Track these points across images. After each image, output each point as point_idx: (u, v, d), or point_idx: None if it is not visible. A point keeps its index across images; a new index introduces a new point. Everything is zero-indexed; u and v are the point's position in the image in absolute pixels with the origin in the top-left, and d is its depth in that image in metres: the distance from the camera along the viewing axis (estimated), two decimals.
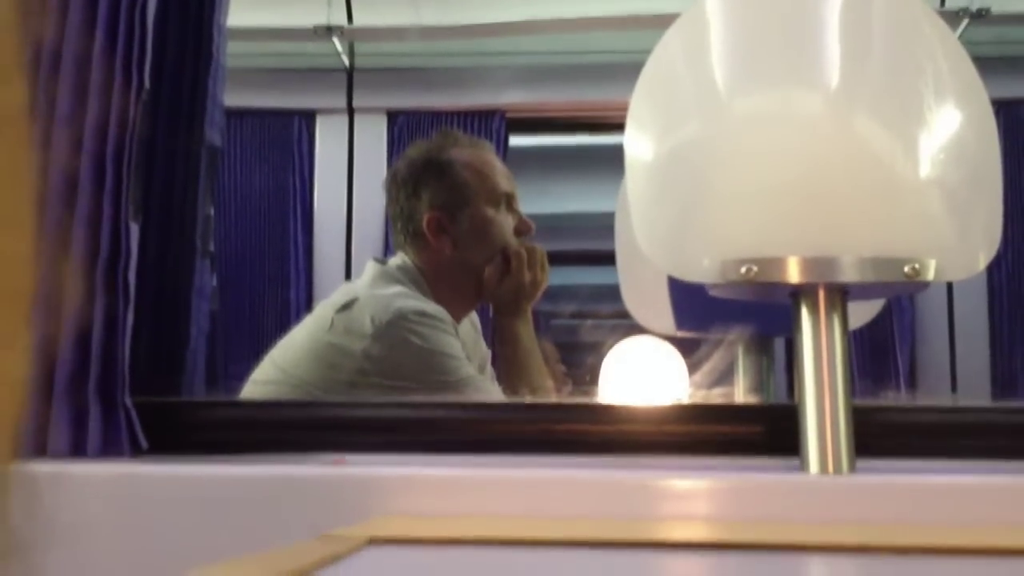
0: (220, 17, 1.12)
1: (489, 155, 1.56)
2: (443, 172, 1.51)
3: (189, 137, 1.09)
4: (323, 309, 1.49)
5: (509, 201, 1.52)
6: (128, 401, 0.90)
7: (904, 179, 0.76)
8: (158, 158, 1.06)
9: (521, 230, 1.52)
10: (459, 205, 1.50)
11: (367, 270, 1.53)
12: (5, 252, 0.19)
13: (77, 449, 0.87)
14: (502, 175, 1.53)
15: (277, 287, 3.27)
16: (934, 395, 3.26)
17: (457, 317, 1.49)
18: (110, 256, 0.90)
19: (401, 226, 1.53)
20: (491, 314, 1.56)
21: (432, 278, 1.50)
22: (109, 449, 0.88)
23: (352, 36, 3.25)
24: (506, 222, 1.51)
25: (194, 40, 1.10)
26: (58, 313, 0.88)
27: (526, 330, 1.52)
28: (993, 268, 2.92)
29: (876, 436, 0.85)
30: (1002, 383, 3.03)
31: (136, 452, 0.90)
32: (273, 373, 1.44)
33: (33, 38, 0.90)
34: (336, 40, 3.20)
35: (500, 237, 1.50)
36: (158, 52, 1.00)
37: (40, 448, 0.87)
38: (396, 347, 1.40)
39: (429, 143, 1.57)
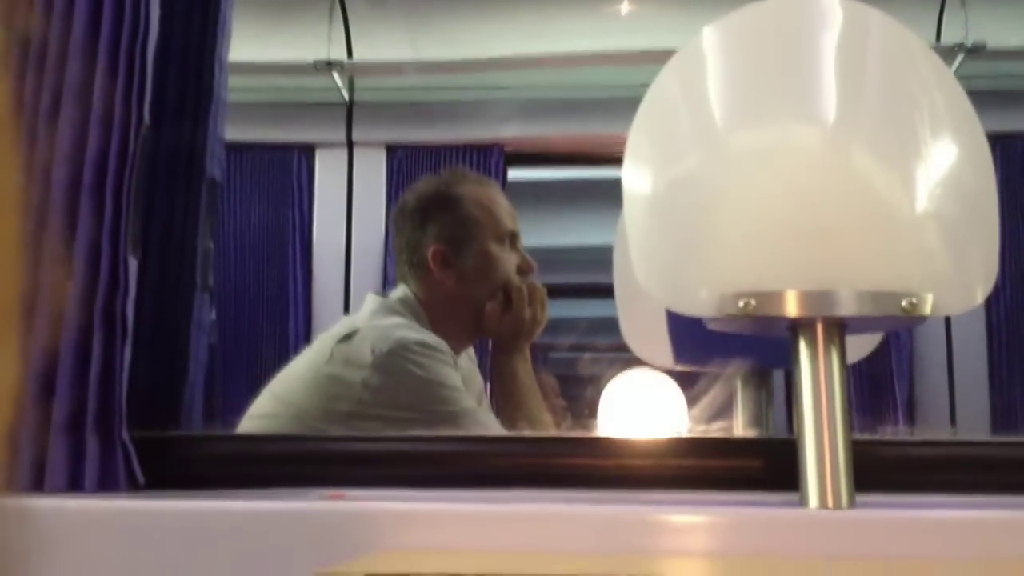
0: (221, 52, 1.13)
1: (496, 193, 1.58)
2: (451, 206, 1.53)
3: (190, 172, 1.09)
4: (323, 341, 1.49)
5: (513, 239, 1.54)
6: (126, 436, 0.89)
7: (901, 213, 0.76)
8: (159, 192, 1.06)
9: (524, 269, 1.54)
10: (465, 240, 1.51)
11: (367, 302, 1.54)
12: None
13: (74, 484, 0.87)
14: (508, 213, 1.55)
15: (275, 320, 3.27)
16: (933, 428, 3.25)
17: (456, 350, 1.49)
18: (108, 290, 0.90)
19: (406, 257, 1.54)
20: (490, 350, 1.56)
21: (433, 311, 1.51)
22: (106, 484, 0.87)
23: (352, 71, 3.27)
24: (510, 260, 1.53)
25: (195, 75, 1.11)
26: (55, 347, 0.88)
27: (524, 367, 1.53)
28: (991, 301, 2.92)
29: (876, 470, 0.85)
30: (1001, 416, 3.02)
31: (133, 487, 0.89)
32: (272, 405, 1.44)
33: (35, 73, 0.91)
34: (336, 75, 3.22)
35: (503, 274, 1.51)
36: (159, 86, 1.01)
37: (37, 483, 0.86)
38: (396, 377, 1.40)
39: (438, 178, 1.59)
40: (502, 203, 1.57)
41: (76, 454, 0.88)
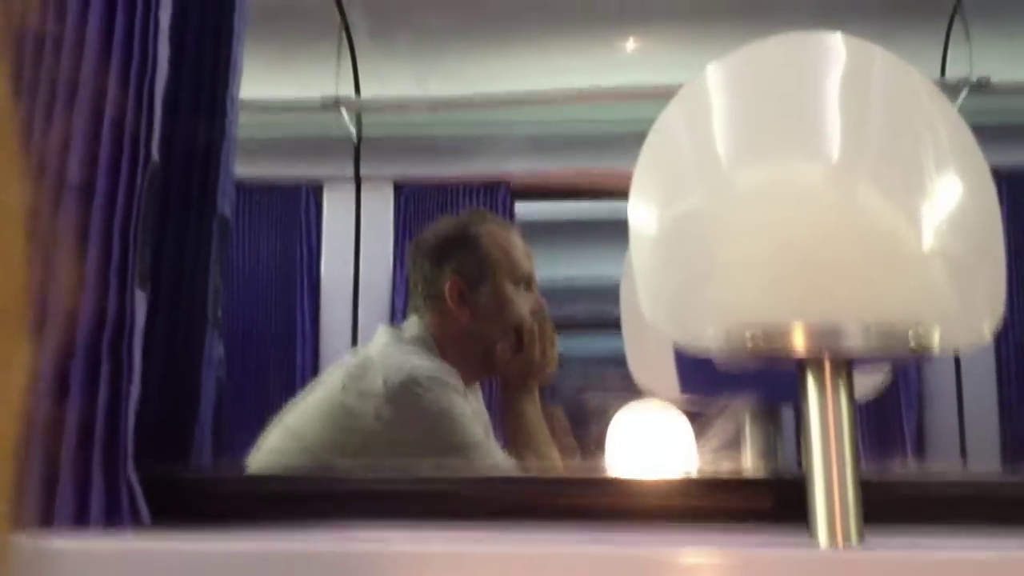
0: (233, 91, 1.14)
1: (515, 236, 1.62)
2: (471, 244, 1.55)
3: (201, 209, 1.10)
4: (335, 372, 1.50)
5: (528, 282, 1.57)
6: (131, 473, 0.89)
7: (907, 249, 0.76)
8: (170, 229, 1.07)
9: (536, 314, 1.55)
10: (482, 277, 1.53)
11: (379, 335, 1.55)
12: None
13: (79, 522, 0.87)
14: (525, 256, 1.58)
15: (283, 355, 3.27)
16: (943, 463, 3.23)
17: (466, 384, 1.49)
18: (116, 325, 0.90)
19: (421, 290, 1.56)
20: (499, 389, 1.57)
21: (445, 345, 1.52)
22: (112, 522, 0.87)
23: (359, 108, 3.30)
24: (524, 301, 1.55)
25: (207, 114, 1.11)
26: (64, 383, 0.88)
27: (532, 407, 1.54)
28: (1000, 334, 2.91)
29: (886, 506, 0.85)
30: (1012, 450, 3.00)
31: (138, 525, 0.89)
32: (283, 440, 1.44)
33: (44, 109, 0.92)
34: (344, 112, 3.24)
35: (516, 314, 1.54)
36: (170, 124, 1.01)
37: (45, 519, 0.86)
38: (408, 408, 1.41)
39: (459, 218, 1.63)
40: (520, 246, 1.60)
41: (81, 491, 0.87)
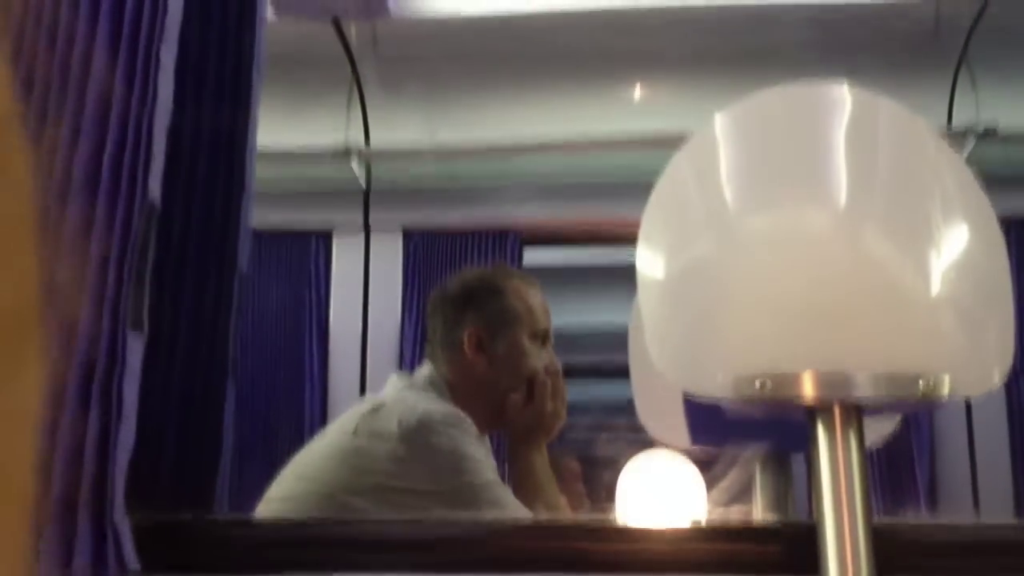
0: (252, 145, 1.15)
1: (537, 292, 1.64)
2: (494, 295, 1.57)
3: (220, 263, 1.10)
4: (347, 417, 1.50)
5: (545, 338, 1.59)
6: (119, 520, 0.87)
7: (916, 297, 0.76)
8: (189, 285, 1.07)
9: (550, 370, 1.57)
10: (501, 328, 1.55)
11: (392, 381, 1.57)
12: (5, 264, 0.19)
13: (64, 567, 0.85)
14: (544, 313, 1.61)
15: (292, 402, 3.27)
16: (955, 511, 3.20)
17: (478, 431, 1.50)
18: (107, 367, 0.89)
19: (440, 336, 1.57)
20: (507, 441, 1.58)
21: (458, 392, 1.53)
22: (97, 568, 0.85)
23: (369, 157, 3.32)
24: (540, 356, 1.57)
25: (227, 169, 1.12)
26: (54, 425, 0.86)
27: (541, 459, 1.55)
28: (1012, 381, 2.90)
29: (898, 555, 0.84)
30: None
31: (123, 572, 0.87)
32: (293, 487, 1.43)
33: (48, 150, 0.92)
34: (353, 161, 3.27)
35: (531, 368, 1.55)
36: (190, 175, 1.02)
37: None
38: (422, 449, 1.41)
39: (484, 270, 1.67)
40: (540, 302, 1.62)
41: (67, 535, 0.85)
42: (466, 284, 1.62)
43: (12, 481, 0.19)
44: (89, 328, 0.89)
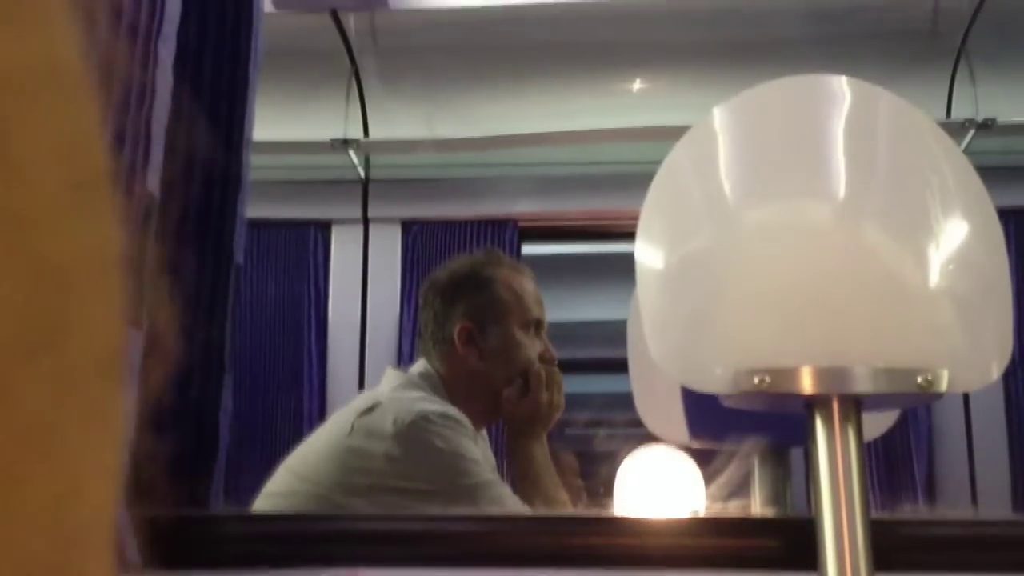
0: (247, 137, 1.14)
1: (527, 281, 1.61)
2: (483, 287, 1.55)
3: (217, 255, 1.10)
4: (343, 415, 1.49)
5: (538, 327, 1.57)
6: (120, 514, 0.87)
7: (914, 289, 0.76)
8: (183, 273, 1.07)
9: (545, 359, 1.56)
10: (492, 321, 1.53)
11: (387, 377, 1.55)
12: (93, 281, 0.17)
13: None
14: (536, 301, 1.58)
15: (290, 395, 3.27)
16: (953, 506, 3.20)
17: (475, 427, 1.49)
18: None
19: (431, 331, 1.55)
20: (506, 434, 1.57)
21: (452, 387, 1.52)
22: None
23: (368, 149, 3.32)
24: (533, 346, 1.55)
25: (222, 161, 1.12)
26: None
27: (540, 450, 1.54)
28: (1009, 375, 2.90)
29: (896, 550, 0.84)
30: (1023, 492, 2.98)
31: (125, 567, 0.88)
32: (289, 483, 1.43)
33: None
34: (352, 153, 3.26)
35: (524, 359, 1.53)
36: (187, 168, 1.02)
37: None
38: (417, 449, 1.40)
39: (474, 258, 1.63)
40: (531, 291, 1.59)
41: None
42: (454, 276, 1.59)
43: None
44: None
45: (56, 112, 0.16)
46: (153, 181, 0.95)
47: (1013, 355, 0.77)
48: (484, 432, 1.59)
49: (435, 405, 1.46)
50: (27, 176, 0.16)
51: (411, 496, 1.36)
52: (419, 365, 1.55)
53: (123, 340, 0.18)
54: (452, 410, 1.45)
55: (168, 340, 1.00)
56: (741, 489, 1.18)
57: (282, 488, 1.42)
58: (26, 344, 0.15)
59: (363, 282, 3.35)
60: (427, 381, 1.51)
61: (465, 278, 1.57)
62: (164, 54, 0.98)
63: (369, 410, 1.45)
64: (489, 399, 1.53)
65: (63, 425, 0.16)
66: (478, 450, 1.46)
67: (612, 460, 1.53)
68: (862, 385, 0.74)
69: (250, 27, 1.17)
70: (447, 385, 1.51)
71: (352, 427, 1.44)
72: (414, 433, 1.41)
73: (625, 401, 1.31)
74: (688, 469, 1.38)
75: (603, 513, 1.43)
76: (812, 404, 0.77)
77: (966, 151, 2.18)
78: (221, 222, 1.10)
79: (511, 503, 1.44)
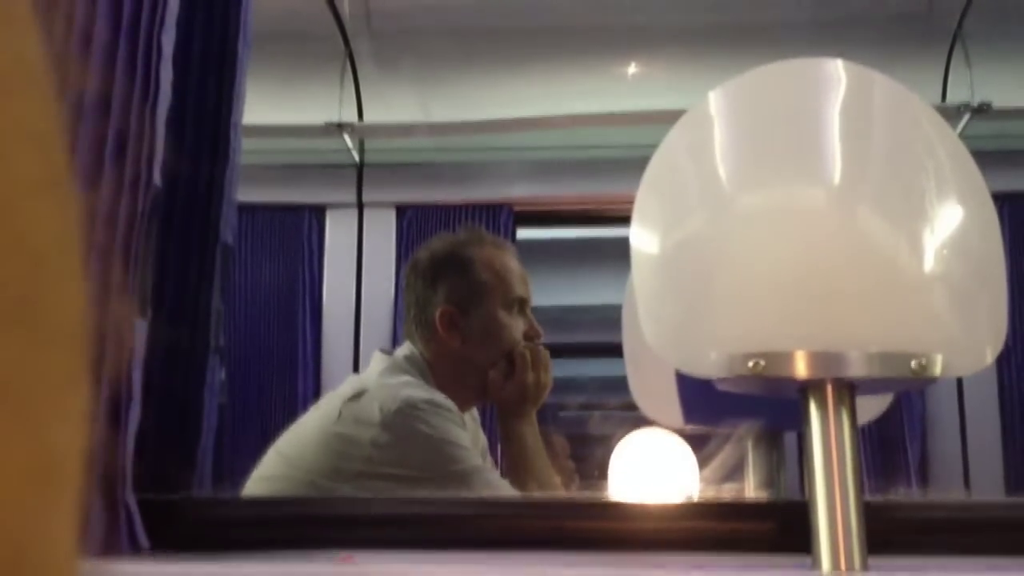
0: (237, 118, 1.14)
1: (510, 258, 1.58)
2: (462, 269, 1.53)
3: (204, 237, 1.10)
4: (331, 400, 1.49)
5: (522, 305, 1.55)
6: (129, 499, 0.89)
7: (909, 274, 0.76)
8: (172, 256, 1.07)
9: (530, 336, 1.54)
10: (473, 303, 1.52)
11: (374, 361, 1.54)
12: (50, 267, 0.18)
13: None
14: (519, 279, 1.55)
15: (285, 378, 3.27)
16: (946, 489, 3.22)
17: (461, 409, 1.49)
18: (115, 352, 0.90)
19: (414, 315, 1.54)
20: (496, 415, 1.56)
21: (438, 371, 1.51)
22: (110, 547, 0.87)
23: (362, 133, 3.31)
24: (517, 326, 1.53)
25: (211, 140, 1.12)
26: None
27: (531, 430, 1.53)
28: (1003, 360, 2.91)
29: (889, 533, 0.84)
30: (1015, 476, 2.99)
31: (136, 550, 0.88)
32: (279, 466, 1.43)
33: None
34: (346, 137, 3.25)
35: (508, 340, 1.52)
36: (175, 151, 1.02)
37: None
38: (404, 436, 1.40)
39: (455, 237, 1.60)
40: (514, 268, 1.57)
41: (80, 515, 0.86)
42: (434, 257, 1.57)
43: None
44: (94, 315, 0.89)
45: (30, 108, 0.18)
46: (157, 173, 0.95)
47: (1006, 340, 0.77)
48: (475, 412, 1.58)
49: (421, 392, 1.45)
50: (8, 165, 0.17)
51: (399, 483, 1.36)
52: (404, 348, 1.54)
53: (87, 316, 0.19)
54: (439, 396, 1.45)
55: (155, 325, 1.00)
56: (735, 473, 1.18)
57: (272, 472, 1.42)
58: (3, 314, 0.16)
59: (358, 266, 3.35)
60: (413, 364, 1.50)
61: (445, 259, 1.55)
62: (166, 45, 0.98)
63: (356, 396, 1.45)
64: (474, 381, 1.51)
65: (34, 388, 0.17)
66: (466, 435, 1.45)
67: (606, 443, 1.53)
68: (856, 369, 0.74)
69: (239, 4, 1.16)
70: (432, 368, 1.50)
71: (340, 413, 1.43)
72: (401, 421, 1.40)
73: (620, 385, 1.32)
74: (682, 453, 1.38)
75: (597, 497, 1.43)
76: (806, 388, 0.77)
77: (961, 135, 2.18)
78: (208, 201, 1.10)
79: (504, 488, 1.44)
